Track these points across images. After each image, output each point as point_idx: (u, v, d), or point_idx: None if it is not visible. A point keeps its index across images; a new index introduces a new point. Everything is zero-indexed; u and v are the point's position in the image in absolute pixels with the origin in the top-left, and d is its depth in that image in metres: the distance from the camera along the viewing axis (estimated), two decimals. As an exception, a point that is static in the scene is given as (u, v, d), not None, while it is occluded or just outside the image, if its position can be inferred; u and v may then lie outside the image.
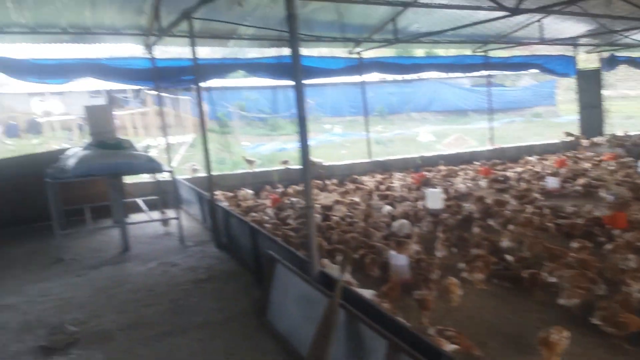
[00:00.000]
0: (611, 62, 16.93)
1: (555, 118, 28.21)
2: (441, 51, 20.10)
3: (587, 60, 17.32)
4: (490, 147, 15.30)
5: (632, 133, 16.57)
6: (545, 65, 15.85)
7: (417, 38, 12.15)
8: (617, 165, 12.21)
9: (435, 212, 7.95)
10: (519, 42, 14.33)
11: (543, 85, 32.06)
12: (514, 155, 14.84)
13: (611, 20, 12.13)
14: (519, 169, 12.62)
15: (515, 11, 9.06)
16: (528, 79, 35.01)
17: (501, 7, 8.94)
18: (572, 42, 15.17)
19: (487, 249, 5.72)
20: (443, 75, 24.67)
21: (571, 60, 16.10)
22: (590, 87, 16.94)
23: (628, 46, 16.03)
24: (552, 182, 10.02)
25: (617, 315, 3.89)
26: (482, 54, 14.82)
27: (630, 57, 17.25)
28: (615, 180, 10.24)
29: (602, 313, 3.99)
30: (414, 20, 11.52)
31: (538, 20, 12.29)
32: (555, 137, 17.21)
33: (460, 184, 10.70)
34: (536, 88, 32.40)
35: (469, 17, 10.81)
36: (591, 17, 11.33)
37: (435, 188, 9.51)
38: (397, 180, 11.70)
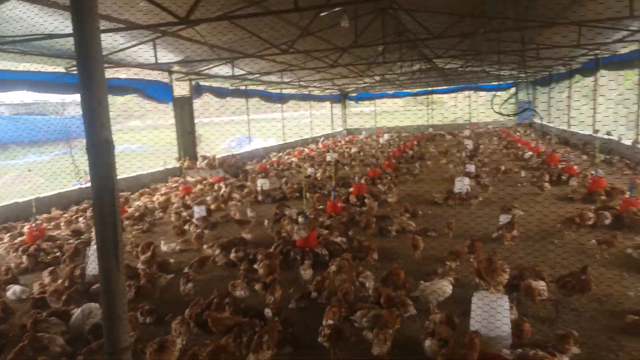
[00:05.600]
0: (198, 90, 18.27)
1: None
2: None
3: (178, 87, 17.94)
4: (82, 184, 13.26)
5: (219, 155, 18.40)
6: (145, 90, 15.27)
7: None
8: (230, 187, 13.15)
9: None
10: (120, 64, 13.16)
11: None
12: (128, 187, 13.56)
13: (196, 53, 13.03)
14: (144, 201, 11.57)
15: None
16: (75, 107, 33.20)
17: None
18: (167, 68, 15.34)
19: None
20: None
21: (168, 86, 16.25)
22: (184, 113, 17.71)
23: (209, 76, 17.75)
24: (199, 211, 9.51)
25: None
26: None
27: (211, 86, 19.17)
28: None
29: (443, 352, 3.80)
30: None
31: (137, 45, 11.52)
32: (148, 166, 16.63)
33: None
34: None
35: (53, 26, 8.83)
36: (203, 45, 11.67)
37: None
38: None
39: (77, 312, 4.69)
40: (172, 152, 17.86)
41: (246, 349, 4.12)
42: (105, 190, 1.97)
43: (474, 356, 3.78)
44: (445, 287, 5.15)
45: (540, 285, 5.02)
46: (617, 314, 4.82)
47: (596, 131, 18.58)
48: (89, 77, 2.04)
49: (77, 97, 17.36)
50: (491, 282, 5.06)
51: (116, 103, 18.06)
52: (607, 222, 7.83)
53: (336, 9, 10.04)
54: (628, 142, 15.00)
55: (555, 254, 6.72)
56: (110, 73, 14.31)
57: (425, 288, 5.18)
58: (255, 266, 5.95)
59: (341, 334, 4.17)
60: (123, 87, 14.36)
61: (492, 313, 4.15)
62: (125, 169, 13.96)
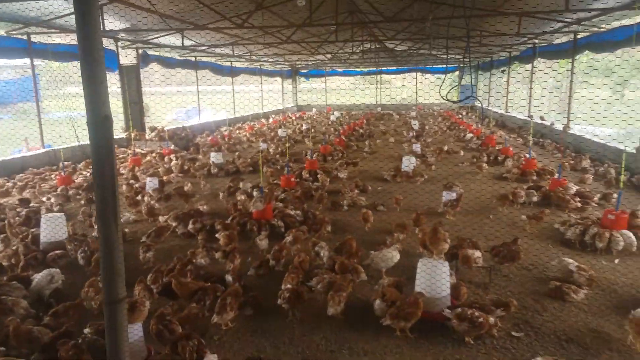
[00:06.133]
0: (145, 59, 17.67)
1: (45, 115, 26.24)
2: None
3: (126, 56, 17.26)
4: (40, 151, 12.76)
5: (167, 127, 18.05)
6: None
7: None
8: (182, 158, 13.05)
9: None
10: (64, 29, 12.54)
11: (27, 79, 28.81)
12: (73, 157, 13.10)
13: (146, 21, 12.65)
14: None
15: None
16: (10, 71, 30.76)
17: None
18: (113, 35, 14.75)
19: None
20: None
21: (114, 54, 15.62)
22: (130, 83, 17.13)
23: (158, 45, 17.21)
24: (151, 183, 9.48)
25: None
26: (22, 37, 12.07)
27: (159, 55, 18.58)
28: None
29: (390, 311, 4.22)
30: None
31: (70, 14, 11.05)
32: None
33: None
34: (19, 83, 28.86)
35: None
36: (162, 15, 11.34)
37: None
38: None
39: (37, 277, 4.72)
40: (117, 122, 17.28)
41: (209, 312, 4.37)
42: (105, 160, 2.12)
43: (418, 314, 4.25)
44: (393, 255, 5.60)
45: (477, 254, 5.59)
46: (542, 280, 5.46)
47: (531, 116, 19.89)
48: (91, 57, 2.15)
49: (16, 62, 16.33)
50: (434, 250, 5.57)
51: (52, 68, 17.05)
52: (535, 199, 8.65)
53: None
54: (559, 127, 16.23)
55: (490, 227, 7.39)
56: (53, 38, 13.62)
57: (375, 256, 5.60)
58: (217, 235, 6.15)
59: (299, 296, 4.51)
60: (66, 53, 13.69)
61: (434, 277, 4.63)
62: (66, 139, 13.44)
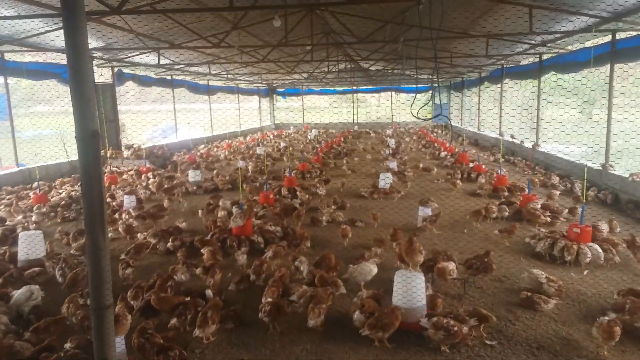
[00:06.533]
0: (120, 78, 17.65)
1: (17, 133, 25.70)
2: None
3: (101, 75, 17.19)
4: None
5: (144, 145, 17.93)
6: (65, 75, 14.51)
7: None
8: (159, 177, 13.01)
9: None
10: (40, 48, 12.49)
11: None
12: (47, 176, 12.92)
13: (121, 40, 12.69)
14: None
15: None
16: None
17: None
18: (89, 54, 14.68)
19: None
20: None
21: (90, 72, 15.51)
22: (106, 101, 17.03)
23: (133, 64, 17.23)
24: (129, 201, 9.44)
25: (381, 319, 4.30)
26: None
27: (135, 74, 18.56)
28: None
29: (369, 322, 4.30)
30: None
31: (58, 30, 11.02)
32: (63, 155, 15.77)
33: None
34: None
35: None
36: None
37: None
38: None
39: (16, 293, 4.68)
40: (93, 141, 17.06)
41: (190, 326, 4.40)
42: (92, 174, 2.23)
43: (395, 324, 4.39)
44: (371, 268, 5.74)
45: (451, 266, 5.78)
46: (514, 291, 5.68)
47: (501, 134, 20.56)
48: (80, 77, 2.26)
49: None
50: (410, 262, 5.74)
51: (20, 87, 16.76)
52: (506, 214, 8.96)
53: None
54: (529, 145, 16.84)
55: (464, 241, 7.63)
56: (27, 57, 13.51)
57: (353, 270, 5.73)
58: (201, 251, 6.19)
59: (280, 309, 4.59)
60: (41, 72, 13.61)
61: (411, 288, 4.78)
62: (40, 157, 13.25)
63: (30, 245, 5.98)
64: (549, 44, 13.65)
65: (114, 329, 2.42)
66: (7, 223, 8.07)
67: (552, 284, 5.45)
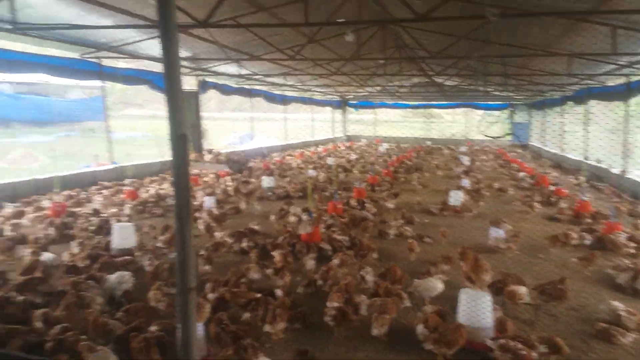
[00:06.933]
0: (204, 86, 18.87)
1: (110, 134, 27.78)
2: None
3: (185, 82, 18.44)
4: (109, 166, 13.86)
5: (224, 150, 18.95)
6: (155, 82, 15.80)
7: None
8: (236, 182, 13.70)
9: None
10: (133, 55, 13.70)
11: (94, 100, 30.59)
12: (138, 174, 14.09)
13: (206, 51, 13.54)
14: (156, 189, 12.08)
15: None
16: (78, 92, 32.88)
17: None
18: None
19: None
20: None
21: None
22: (191, 107, 18.24)
23: (216, 73, 18.35)
24: (209, 202, 10.05)
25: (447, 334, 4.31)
26: (95, 60, 13.27)
27: (217, 82, 19.79)
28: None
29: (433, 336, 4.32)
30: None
31: (150, 39, 12.03)
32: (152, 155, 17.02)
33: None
34: (87, 102, 30.67)
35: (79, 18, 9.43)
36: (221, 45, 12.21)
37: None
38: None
39: (111, 277, 5.25)
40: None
41: (261, 321, 4.68)
42: (182, 171, 2.59)
43: (460, 342, 4.37)
44: (437, 284, 5.73)
45: (522, 290, 5.62)
46: (590, 322, 5.41)
47: (586, 157, 19.33)
48: (174, 83, 2.60)
49: (87, 83, 17.65)
50: (476, 280, 5.65)
51: (114, 90, 18.35)
52: (588, 242, 8.47)
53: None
54: (616, 171, 15.71)
55: (539, 266, 7.33)
56: (120, 63, 14.82)
57: (418, 284, 5.76)
58: (272, 253, 6.51)
59: (345, 315, 4.73)
60: (134, 77, 14.90)
61: (477, 307, 4.73)
62: (134, 156, 14.47)
63: (122, 236, 6.64)
64: (636, 65, 12.75)
65: (195, 310, 2.71)
66: (102, 214, 8.96)
67: (631, 317, 5.14)
